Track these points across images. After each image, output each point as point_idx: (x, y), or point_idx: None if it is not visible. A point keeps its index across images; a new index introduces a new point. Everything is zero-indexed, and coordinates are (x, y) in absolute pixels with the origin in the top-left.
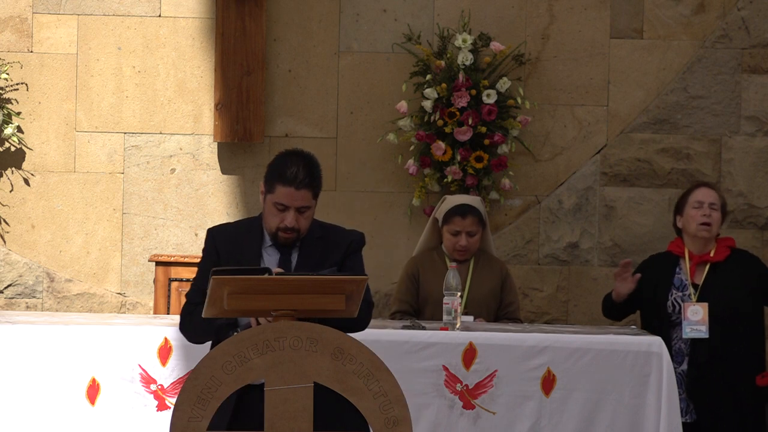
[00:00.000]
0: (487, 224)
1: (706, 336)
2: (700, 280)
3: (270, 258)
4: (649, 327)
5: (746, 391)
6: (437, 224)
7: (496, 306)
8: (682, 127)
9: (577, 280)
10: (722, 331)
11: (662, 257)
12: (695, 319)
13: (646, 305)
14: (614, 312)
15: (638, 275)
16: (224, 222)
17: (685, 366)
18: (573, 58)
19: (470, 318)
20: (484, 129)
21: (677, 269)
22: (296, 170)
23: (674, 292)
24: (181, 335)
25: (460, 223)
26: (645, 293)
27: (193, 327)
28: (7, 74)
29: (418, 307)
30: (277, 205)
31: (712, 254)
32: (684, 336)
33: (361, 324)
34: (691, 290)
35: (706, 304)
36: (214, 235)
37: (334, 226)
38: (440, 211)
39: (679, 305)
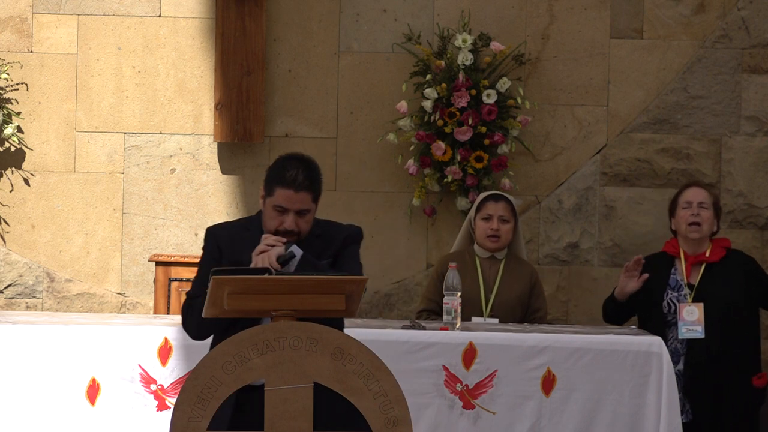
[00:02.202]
0: (519, 225)
1: (702, 336)
2: (695, 280)
3: None
4: (645, 327)
5: (742, 392)
6: (471, 225)
7: (523, 311)
8: (682, 127)
9: (577, 280)
10: (718, 332)
11: (657, 258)
12: (691, 320)
13: (641, 306)
14: (616, 316)
15: (646, 275)
16: (222, 221)
17: (681, 366)
18: (573, 58)
19: (495, 321)
20: (484, 129)
21: (673, 270)
22: (295, 173)
23: (670, 292)
24: (181, 335)
25: (492, 207)
26: (641, 294)
27: (195, 321)
28: (7, 74)
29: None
30: (276, 208)
31: (707, 254)
32: (680, 336)
33: None
34: (687, 290)
35: (701, 305)
36: (215, 233)
37: (332, 222)
38: (474, 206)
39: (675, 305)
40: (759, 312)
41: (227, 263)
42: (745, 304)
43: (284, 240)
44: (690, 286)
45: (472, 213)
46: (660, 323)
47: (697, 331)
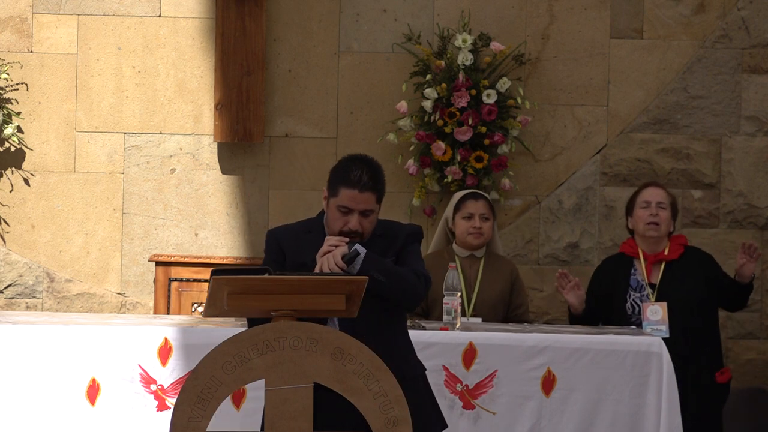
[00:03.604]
0: (495, 222)
1: (667, 335)
2: (656, 279)
3: None
4: None
5: (707, 389)
6: (447, 224)
7: (505, 308)
8: (682, 127)
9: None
10: (682, 330)
11: (615, 259)
12: (655, 319)
13: (603, 309)
14: (581, 324)
15: (578, 279)
16: (282, 224)
17: None
18: (573, 58)
19: (478, 320)
20: (484, 129)
21: (632, 270)
22: (360, 174)
23: (632, 293)
24: (181, 335)
25: (473, 205)
26: (600, 295)
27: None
28: (7, 74)
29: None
30: (340, 208)
31: (666, 253)
32: None
33: (417, 297)
34: (649, 290)
35: (665, 304)
36: (277, 235)
37: (393, 222)
38: (450, 206)
39: (638, 306)
40: (717, 308)
41: (290, 266)
42: (705, 301)
43: (347, 240)
44: (651, 285)
45: (449, 212)
46: (623, 325)
47: (662, 331)
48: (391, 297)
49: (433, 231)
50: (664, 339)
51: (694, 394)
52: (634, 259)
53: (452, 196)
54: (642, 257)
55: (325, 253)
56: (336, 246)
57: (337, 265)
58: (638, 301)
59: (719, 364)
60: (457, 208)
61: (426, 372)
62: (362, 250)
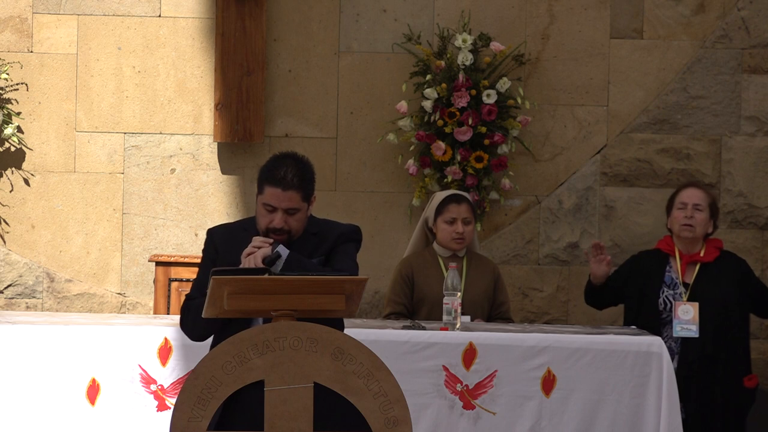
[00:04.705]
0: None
1: (697, 335)
2: (690, 279)
3: None
4: (635, 322)
5: (733, 392)
6: (426, 225)
7: (489, 306)
8: (682, 127)
9: (577, 280)
10: (712, 331)
11: (652, 254)
12: (686, 318)
13: (632, 300)
14: (594, 298)
15: (609, 257)
16: (224, 222)
17: (675, 364)
18: (573, 58)
19: (467, 318)
20: (484, 129)
21: (667, 267)
22: (285, 171)
23: (665, 289)
24: (181, 335)
25: (455, 209)
26: (632, 288)
27: (191, 322)
28: (7, 74)
29: (412, 308)
30: (265, 206)
31: (701, 254)
32: (674, 335)
33: None
34: (682, 289)
35: (696, 304)
36: (213, 234)
37: (330, 221)
38: (431, 207)
39: (671, 303)
40: (749, 314)
41: (222, 264)
42: (737, 305)
43: (271, 241)
44: (685, 284)
45: (430, 214)
46: (654, 320)
47: (692, 330)
48: None
49: None
50: (694, 339)
51: (720, 396)
52: (670, 256)
53: (433, 196)
54: (678, 256)
55: (249, 254)
56: (259, 247)
57: (257, 267)
58: (671, 298)
59: (747, 369)
60: (439, 211)
61: None
62: (284, 252)
